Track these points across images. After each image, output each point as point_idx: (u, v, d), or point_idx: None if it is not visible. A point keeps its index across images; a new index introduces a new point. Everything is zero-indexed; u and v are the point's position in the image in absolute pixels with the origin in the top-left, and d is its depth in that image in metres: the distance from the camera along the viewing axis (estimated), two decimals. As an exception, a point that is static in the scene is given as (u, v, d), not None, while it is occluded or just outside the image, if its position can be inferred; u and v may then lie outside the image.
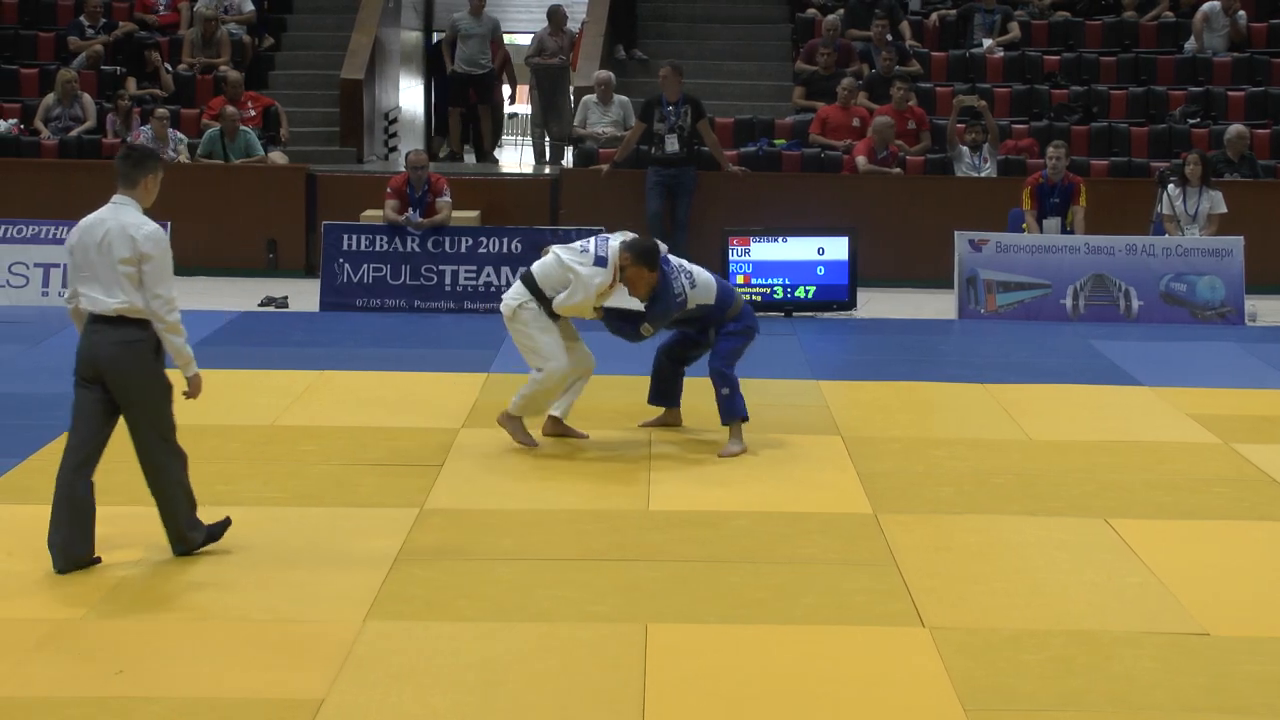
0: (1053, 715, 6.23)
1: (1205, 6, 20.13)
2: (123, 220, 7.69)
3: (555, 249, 10.40)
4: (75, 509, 7.65)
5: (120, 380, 7.65)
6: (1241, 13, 20.13)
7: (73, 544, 7.64)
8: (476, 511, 8.84)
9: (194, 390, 7.89)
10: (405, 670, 6.56)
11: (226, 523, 8.10)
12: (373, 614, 7.17)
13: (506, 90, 22.77)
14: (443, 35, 21.25)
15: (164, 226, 8.22)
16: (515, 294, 10.36)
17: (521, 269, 10.97)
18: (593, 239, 10.39)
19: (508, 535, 8.40)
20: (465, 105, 20.91)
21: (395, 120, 21.47)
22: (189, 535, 7.91)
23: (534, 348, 10.25)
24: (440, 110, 22.16)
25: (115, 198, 7.78)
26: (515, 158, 24.84)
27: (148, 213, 7.84)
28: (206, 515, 8.60)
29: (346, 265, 15.77)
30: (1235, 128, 17.99)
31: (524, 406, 10.28)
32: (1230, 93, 19.32)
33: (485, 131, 21.15)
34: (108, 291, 7.61)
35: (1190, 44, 20.06)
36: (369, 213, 16.56)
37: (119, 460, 9.29)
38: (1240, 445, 10.49)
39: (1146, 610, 7.40)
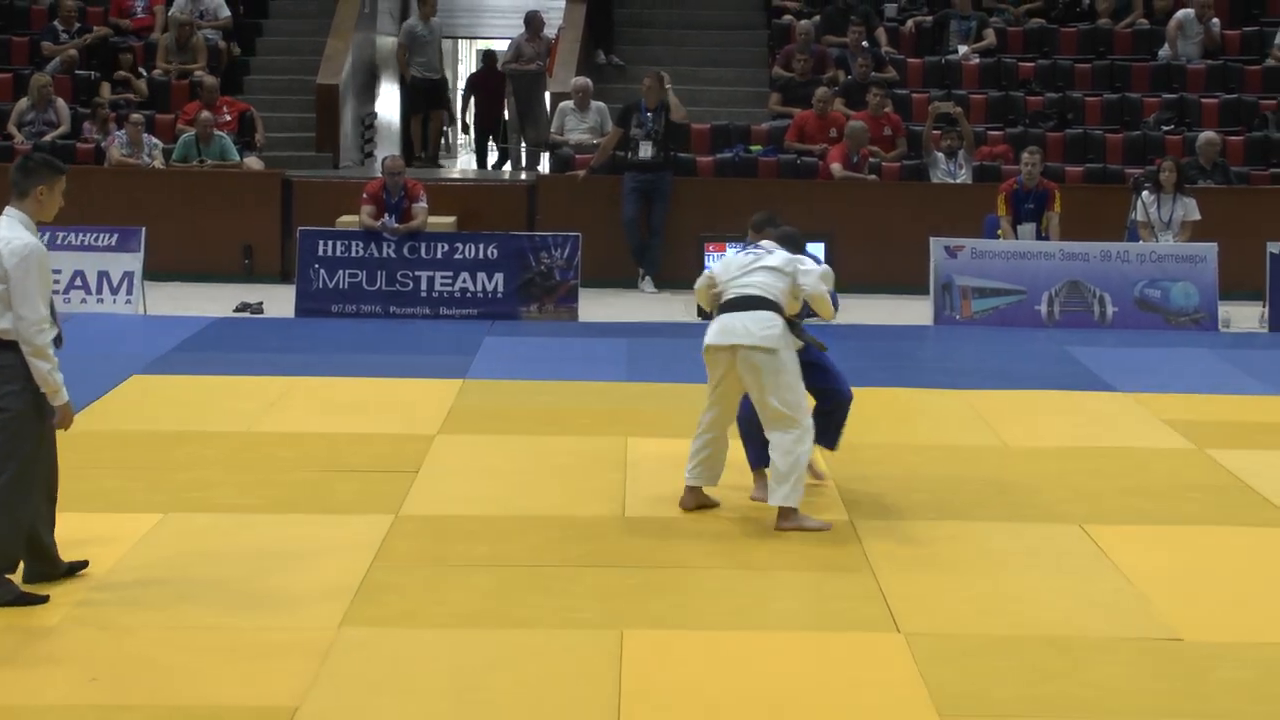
0: (1027, 721, 6.25)
1: (1179, 14, 20.19)
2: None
3: (758, 266, 8.82)
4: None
5: None
6: (1215, 20, 20.19)
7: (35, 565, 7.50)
8: (452, 518, 8.82)
9: (62, 421, 7.28)
10: (380, 677, 6.54)
11: (39, 599, 7.29)
12: (348, 621, 7.16)
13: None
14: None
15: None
16: (768, 321, 8.64)
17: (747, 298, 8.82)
18: (740, 246, 9.12)
19: (484, 542, 8.39)
20: (426, 112, 20.97)
21: (371, 126, 21.46)
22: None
23: (795, 400, 8.63)
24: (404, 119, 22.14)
25: (6, 209, 7.26)
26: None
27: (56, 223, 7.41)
28: (184, 522, 8.60)
29: (322, 271, 15.74)
30: (1207, 135, 18.05)
31: (799, 489, 8.64)
32: (1204, 100, 19.38)
33: (434, 134, 21.23)
34: None
35: (1164, 51, 20.12)
36: (345, 218, 16.54)
37: (93, 467, 9.28)
38: (1214, 451, 10.52)
39: (1121, 616, 7.42)
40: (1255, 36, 20.44)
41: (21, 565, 7.44)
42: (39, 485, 7.37)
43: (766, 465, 9.15)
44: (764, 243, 9.08)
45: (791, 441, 8.62)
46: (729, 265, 9.01)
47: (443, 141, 22.67)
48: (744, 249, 9.08)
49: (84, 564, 7.69)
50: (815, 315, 9.19)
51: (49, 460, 7.45)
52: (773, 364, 8.61)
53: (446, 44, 27.22)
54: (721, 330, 8.78)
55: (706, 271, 9.18)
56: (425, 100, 20.93)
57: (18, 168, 7.37)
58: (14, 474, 7.21)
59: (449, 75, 24.53)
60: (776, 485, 8.67)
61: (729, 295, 8.85)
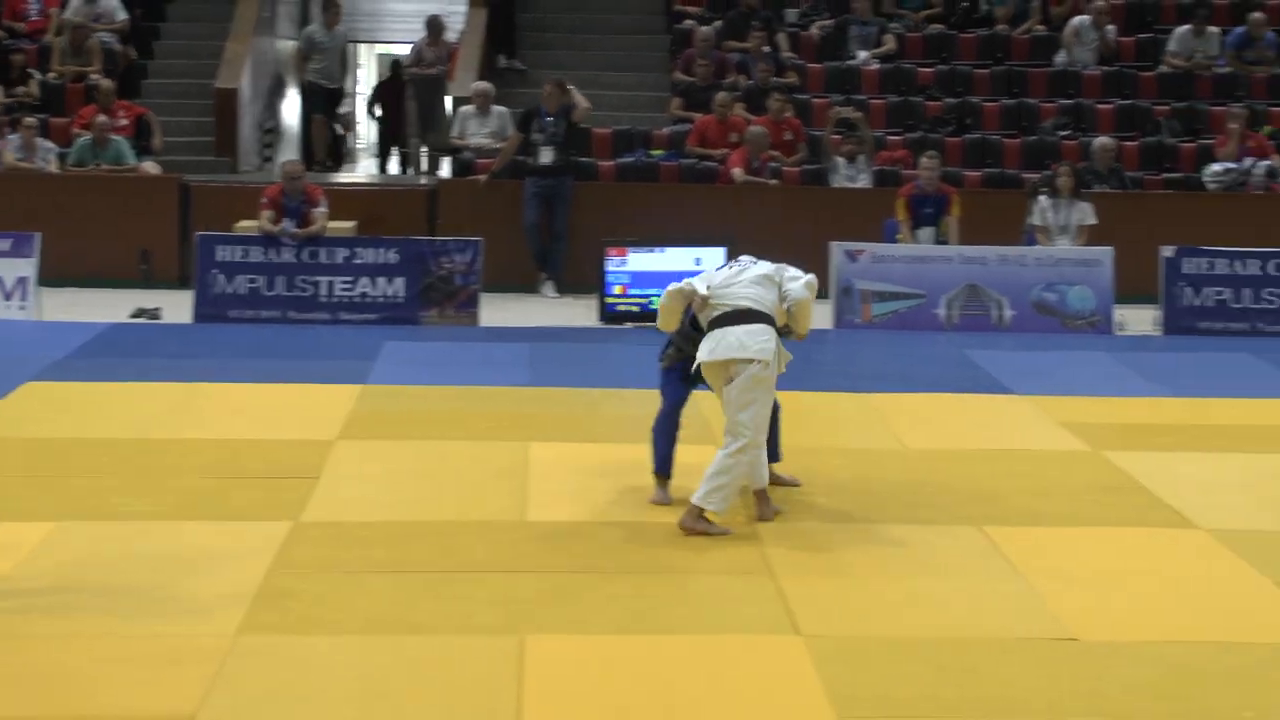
0: (926, 722, 6.29)
1: (1075, 20, 20.42)
2: None
3: (746, 276, 8.86)
4: None
5: None
6: (1111, 27, 20.44)
7: None
8: (352, 524, 8.77)
9: None
10: (278, 685, 6.49)
11: None
12: (245, 628, 7.10)
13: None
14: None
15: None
16: (762, 335, 8.67)
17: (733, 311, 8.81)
18: (724, 265, 9.26)
19: (384, 547, 8.34)
20: (323, 117, 20.82)
21: (271, 130, 21.31)
22: None
23: (762, 417, 8.73)
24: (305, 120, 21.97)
25: None
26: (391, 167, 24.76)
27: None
28: (80, 530, 8.50)
29: (220, 276, 15.60)
30: (1102, 140, 18.26)
31: (723, 498, 8.70)
32: (1099, 106, 19.61)
33: (322, 140, 21.09)
34: None
35: (1061, 57, 20.35)
36: (244, 223, 16.40)
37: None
38: (1110, 452, 10.64)
39: (1020, 617, 7.49)
40: (1150, 43, 20.71)
41: None
42: None
43: (668, 475, 9.24)
44: (744, 256, 9.10)
45: (737, 451, 8.66)
46: (711, 278, 8.94)
47: (343, 148, 22.56)
48: (725, 264, 9.10)
49: None
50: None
51: None
52: (757, 376, 8.61)
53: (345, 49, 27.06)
54: (715, 346, 8.71)
55: (683, 284, 8.95)
56: (323, 106, 20.81)
57: None
58: None
59: (349, 81, 24.37)
60: (703, 483, 8.68)
61: (721, 310, 8.76)
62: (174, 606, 7.38)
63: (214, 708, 6.23)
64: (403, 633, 7.11)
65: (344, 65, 20.62)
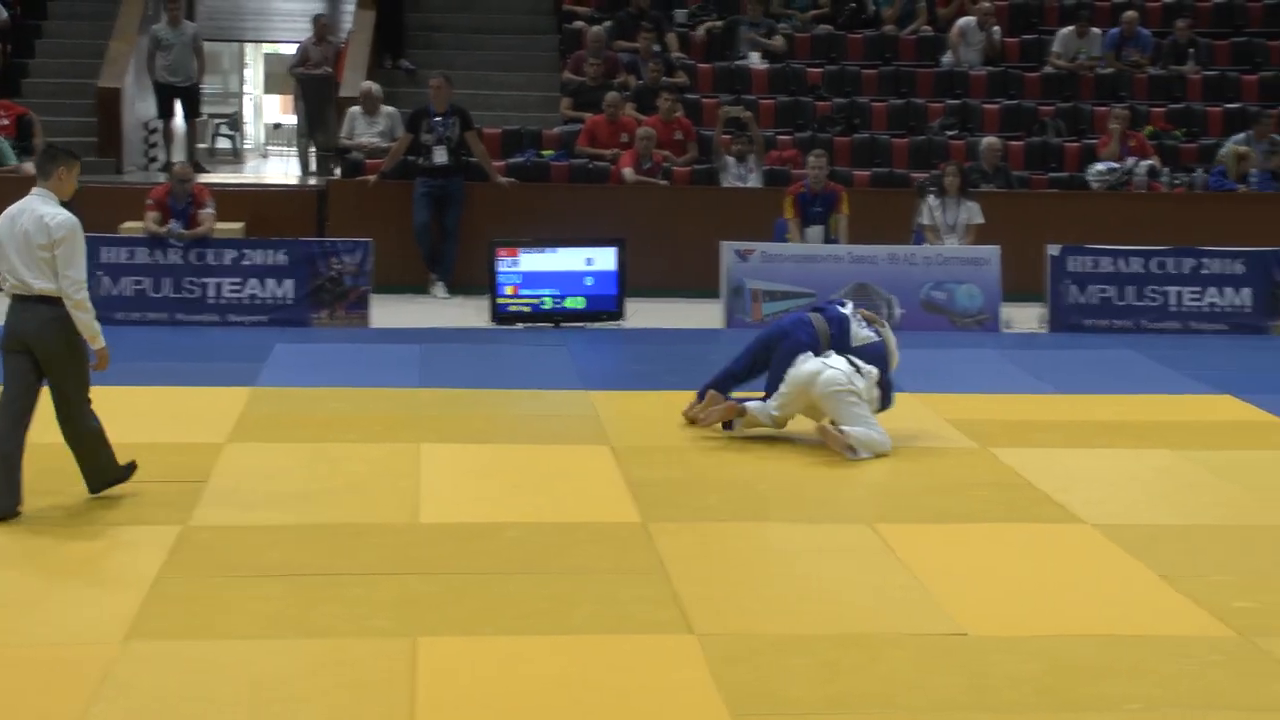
0: (819, 719, 6.31)
1: (961, 21, 20.63)
2: (39, 211, 8.57)
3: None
4: (5, 464, 8.61)
5: (45, 351, 8.65)
6: (996, 28, 20.67)
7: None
8: (243, 527, 8.70)
9: (101, 362, 8.88)
10: (167, 692, 6.42)
11: (132, 466, 9.15)
12: (133, 634, 7.02)
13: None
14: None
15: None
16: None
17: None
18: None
19: (275, 550, 8.28)
20: (171, 117, 20.52)
21: (155, 130, 21.08)
22: (108, 471, 9.01)
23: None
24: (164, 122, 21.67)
25: (34, 190, 8.68)
26: (281, 168, 24.62)
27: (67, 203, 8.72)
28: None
29: (105, 278, 15.41)
30: (988, 140, 18.45)
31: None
32: (985, 105, 19.82)
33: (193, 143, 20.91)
34: (30, 275, 8.57)
35: (947, 58, 20.55)
36: (129, 225, 16.23)
37: None
38: (997, 449, 10.75)
39: (909, 613, 7.55)
40: (1034, 44, 20.96)
41: None
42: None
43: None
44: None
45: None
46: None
47: (231, 145, 22.38)
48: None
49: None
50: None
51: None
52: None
53: (230, 48, 26.92)
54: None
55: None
56: (183, 105, 20.48)
57: (40, 154, 9.20)
58: (84, 398, 8.86)
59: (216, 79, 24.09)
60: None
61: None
62: (59, 615, 7.29)
63: (99, 717, 6.15)
64: (296, 637, 7.06)
65: (197, 62, 20.23)
